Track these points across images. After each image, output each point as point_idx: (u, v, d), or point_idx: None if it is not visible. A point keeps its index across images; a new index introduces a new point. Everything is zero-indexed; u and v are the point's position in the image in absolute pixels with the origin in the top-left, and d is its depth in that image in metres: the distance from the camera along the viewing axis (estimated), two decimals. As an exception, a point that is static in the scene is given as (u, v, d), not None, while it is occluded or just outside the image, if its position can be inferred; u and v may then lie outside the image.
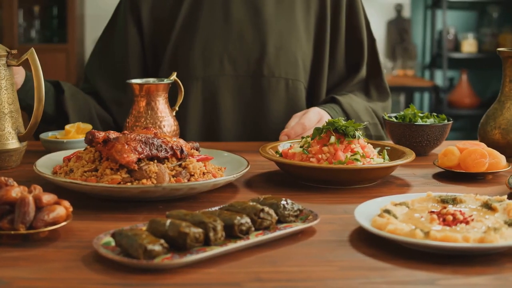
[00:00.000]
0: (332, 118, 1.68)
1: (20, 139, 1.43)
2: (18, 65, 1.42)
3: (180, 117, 1.75)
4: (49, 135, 1.58)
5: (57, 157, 1.37)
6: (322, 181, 1.32)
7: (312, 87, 1.86)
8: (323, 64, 1.85)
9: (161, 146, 1.24)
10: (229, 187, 1.30)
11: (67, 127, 1.57)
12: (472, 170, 1.37)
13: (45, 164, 1.32)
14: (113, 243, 0.94)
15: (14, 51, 1.42)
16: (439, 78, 5.89)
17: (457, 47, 5.76)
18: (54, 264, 0.90)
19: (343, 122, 1.35)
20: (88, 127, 1.58)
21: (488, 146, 1.52)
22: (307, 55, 1.84)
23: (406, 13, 5.87)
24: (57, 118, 1.73)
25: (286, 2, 1.82)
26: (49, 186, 1.25)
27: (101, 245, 0.93)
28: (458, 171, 1.39)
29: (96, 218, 1.11)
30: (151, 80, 1.58)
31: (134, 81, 1.56)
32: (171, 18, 1.82)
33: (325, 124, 1.37)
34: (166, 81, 1.56)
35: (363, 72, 1.90)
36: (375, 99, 1.90)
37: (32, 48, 1.41)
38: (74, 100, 1.74)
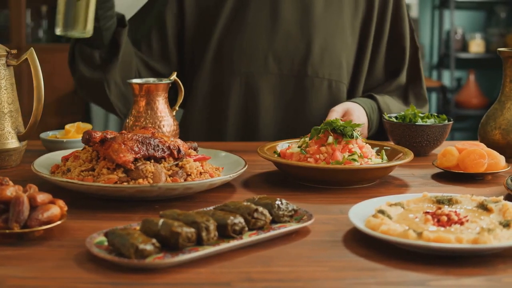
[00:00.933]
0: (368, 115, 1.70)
1: (20, 138, 1.43)
2: (18, 65, 1.43)
3: (220, 113, 1.78)
4: (49, 135, 1.58)
5: (56, 156, 1.37)
6: (319, 181, 1.32)
7: (350, 88, 1.86)
8: (362, 67, 1.85)
9: (158, 146, 1.24)
10: (227, 187, 1.30)
11: (67, 126, 1.58)
12: (471, 171, 1.37)
13: (44, 164, 1.33)
14: (106, 243, 0.95)
15: (14, 51, 1.42)
16: (447, 78, 5.87)
17: (464, 47, 5.74)
18: (47, 263, 0.90)
19: (341, 122, 1.35)
20: (88, 126, 1.58)
21: (488, 146, 1.51)
22: (351, 57, 1.84)
23: (414, 13, 5.85)
24: (106, 47, 1.71)
25: (335, 3, 1.81)
26: (47, 185, 1.26)
27: (94, 244, 0.93)
28: (456, 171, 1.38)
29: (91, 217, 1.11)
30: (151, 80, 1.58)
31: (134, 81, 1.56)
32: (216, 10, 1.81)
33: (323, 124, 1.36)
34: (165, 81, 1.56)
35: (402, 78, 1.89)
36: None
37: (32, 48, 1.41)
38: (127, 40, 1.74)
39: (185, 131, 1.85)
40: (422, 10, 5.99)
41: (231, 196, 1.25)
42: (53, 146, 1.53)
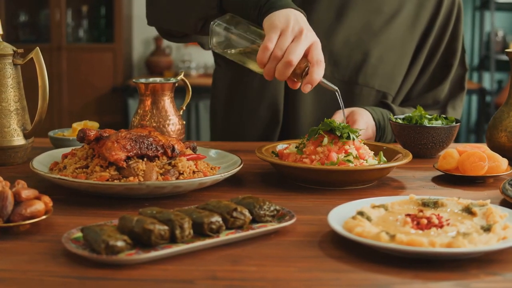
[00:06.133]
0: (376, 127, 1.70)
1: (26, 136, 1.47)
2: (23, 64, 1.46)
3: (262, 104, 1.77)
4: (57, 133, 1.62)
5: (57, 154, 1.40)
6: (314, 182, 1.31)
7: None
8: (410, 79, 1.85)
9: (151, 144, 1.26)
10: (221, 186, 1.31)
11: (74, 125, 1.61)
12: (470, 173, 1.34)
13: (45, 161, 1.36)
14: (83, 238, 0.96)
15: (20, 50, 1.46)
16: (487, 80, 5.76)
17: (505, 49, 5.62)
18: (22, 257, 0.92)
19: (338, 123, 1.35)
20: (95, 125, 1.61)
21: (494, 149, 1.49)
22: (403, 70, 1.83)
23: (454, 14, 5.76)
24: None
25: (397, 18, 1.80)
26: (45, 182, 1.29)
27: (70, 240, 0.95)
28: (456, 174, 1.36)
29: (80, 214, 1.13)
30: (157, 79, 1.60)
31: (140, 80, 1.58)
32: None
33: (321, 125, 1.36)
34: (171, 80, 1.58)
35: (440, 93, 1.87)
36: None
37: (37, 47, 1.45)
38: None
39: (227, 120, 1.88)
40: (463, 11, 5.89)
41: (224, 195, 1.26)
42: (60, 143, 1.56)
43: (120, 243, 0.91)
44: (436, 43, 1.85)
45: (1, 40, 1.45)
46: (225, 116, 1.92)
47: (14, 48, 1.45)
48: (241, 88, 1.85)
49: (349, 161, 1.30)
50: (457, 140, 5.59)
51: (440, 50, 1.86)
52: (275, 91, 1.78)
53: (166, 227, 0.95)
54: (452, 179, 1.38)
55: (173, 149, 1.28)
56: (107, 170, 1.22)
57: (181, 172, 1.26)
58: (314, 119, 1.79)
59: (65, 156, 1.33)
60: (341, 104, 1.43)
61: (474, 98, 5.85)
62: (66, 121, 5.48)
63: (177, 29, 1.75)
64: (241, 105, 1.85)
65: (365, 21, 1.78)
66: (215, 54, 1.93)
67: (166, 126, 1.56)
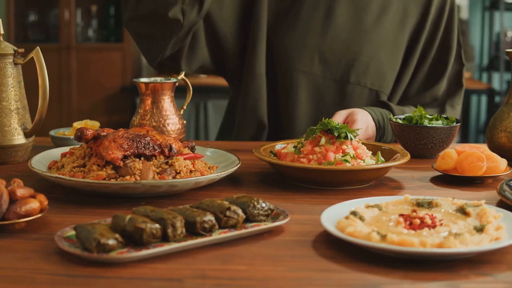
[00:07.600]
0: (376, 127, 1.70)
1: (26, 135, 1.48)
2: (26, 64, 1.47)
3: (256, 105, 1.79)
4: (58, 132, 1.63)
5: (57, 153, 1.41)
6: (311, 182, 1.31)
7: (388, 97, 1.85)
8: (404, 77, 1.84)
9: (148, 143, 1.26)
10: (218, 185, 1.31)
11: (75, 124, 1.62)
12: (468, 174, 1.34)
13: (44, 160, 1.36)
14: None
15: (21, 50, 1.47)
16: (497, 80, 5.73)
17: (515, 49, 5.59)
18: (15, 254, 0.93)
19: (336, 123, 1.35)
20: (96, 124, 1.62)
21: (494, 149, 1.48)
22: (396, 68, 1.82)
23: (464, 14, 5.74)
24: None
25: (387, 14, 1.80)
26: (44, 180, 1.30)
27: (63, 238, 0.96)
28: (454, 174, 1.36)
29: (76, 212, 1.14)
30: (158, 79, 1.61)
31: (140, 80, 1.59)
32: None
33: (319, 125, 1.36)
34: (171, 80, 1.59)
35: (437, 91, 1.86)
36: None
37: (37, 47, 1.46)
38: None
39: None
40: (472, 11, 5.87)
41: (220, 195, 1.26)
42: (61, 142, 1.57)
43: (111, 242, 0.91)
44: (429, 40, 1.84)
45: (2, 40, 1.46)
46: (226, 125, 1.98)
47: (15, 48, 1.46)
48: (235, 105, 1.90)
49: (346, 161, 1.30)
50: (466, 141, 5.57)
51: (434, 46, 1.84)
52: (255, 101, 1.80)
53: (158, 226, 0.95)
54: (450, 180, 1.38)
55: (170, 149, 1.28)
56: (104, 169, 1.23)
57: (178, 171, 1.26)
58: (309, 119, 1.79)
59: (63, 155, 1.34)
60: None
61: (484, 98, 5.82)
62: (75, 121, 5.50)
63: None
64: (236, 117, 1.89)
65: (354, 18, 1.78)
66: (229, 82, 1.98)
67: (166, 125, 1.57)
